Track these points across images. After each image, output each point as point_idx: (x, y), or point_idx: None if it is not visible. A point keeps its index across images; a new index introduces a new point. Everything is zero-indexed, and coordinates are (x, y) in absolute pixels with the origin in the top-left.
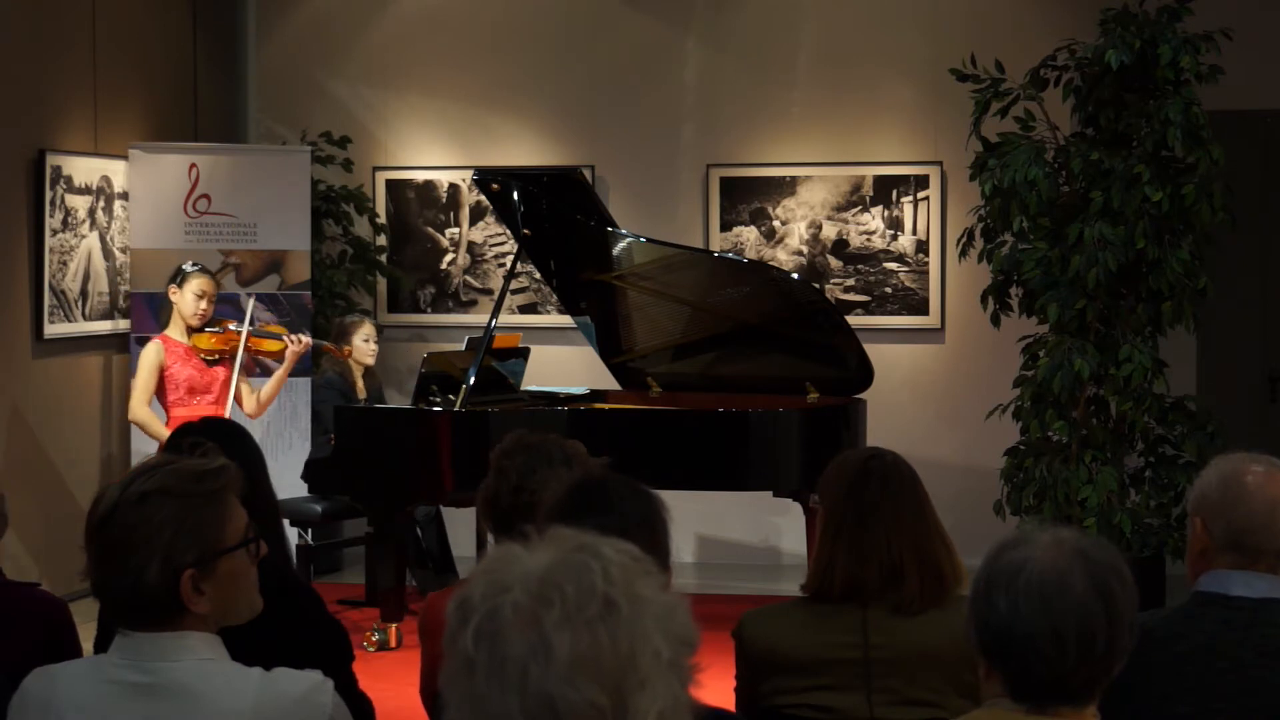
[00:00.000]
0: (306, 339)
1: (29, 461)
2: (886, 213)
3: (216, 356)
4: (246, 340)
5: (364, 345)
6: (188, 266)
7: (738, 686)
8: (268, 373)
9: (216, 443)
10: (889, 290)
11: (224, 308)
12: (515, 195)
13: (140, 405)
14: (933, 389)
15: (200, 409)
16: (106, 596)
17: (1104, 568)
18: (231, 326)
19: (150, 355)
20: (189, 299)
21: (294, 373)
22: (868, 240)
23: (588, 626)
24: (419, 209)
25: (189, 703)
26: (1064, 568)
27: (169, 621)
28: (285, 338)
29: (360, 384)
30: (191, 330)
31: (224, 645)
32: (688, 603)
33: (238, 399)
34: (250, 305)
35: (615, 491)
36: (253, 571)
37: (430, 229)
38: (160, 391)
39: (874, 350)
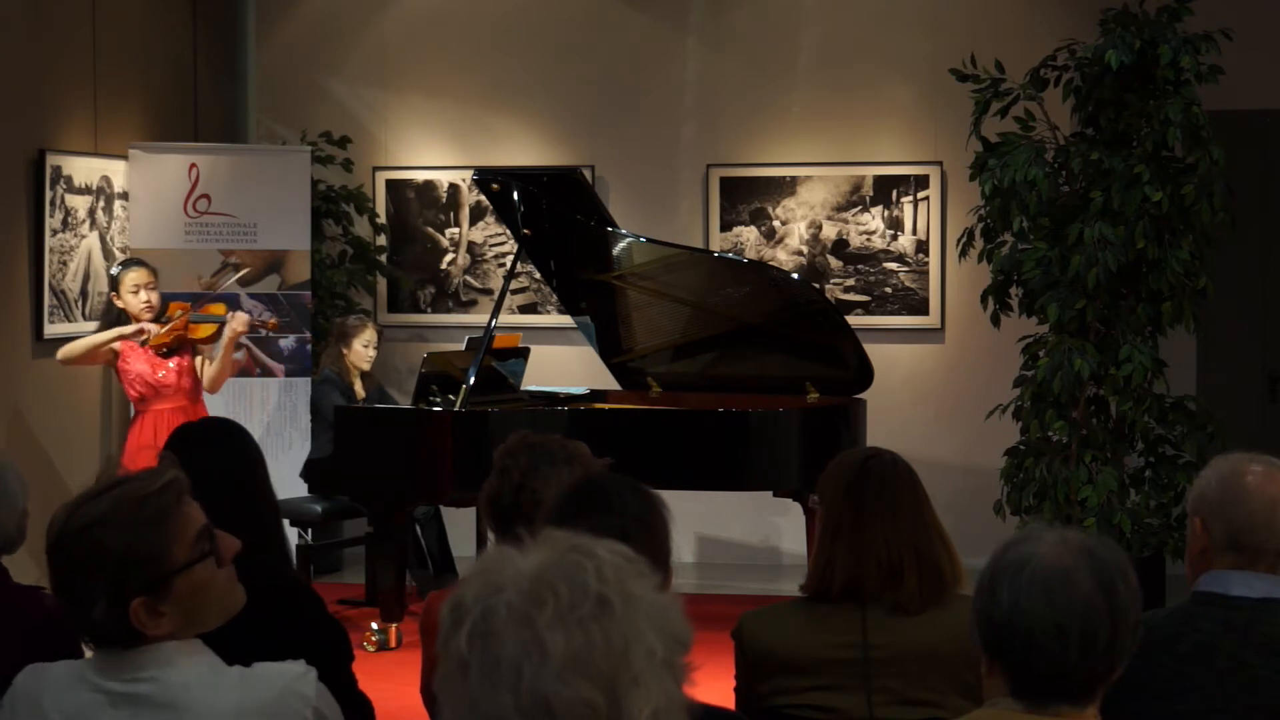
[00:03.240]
0: (245, 315)
1: (28, 461)
2: (886, 213)
3: (166, 349)
4: (185, 326)
5: (363, 350)
6: (114, 269)
7: (737, 687)
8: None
9: (216, 442)
10: (889, 290)
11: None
12: (515, 195)
13: (73, 344)
14: (933, 389)
15: (169, 406)
16: (69, 618)
17: (1109, 566)
18: (178, 314)
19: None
20: (129, 299)
21: (292, 373)
22: (868, 240)
23: (581, 625)
24: (419, 209)
25: (171, 710)
26: (1069, 564)
27: (131, 642)
28: (224, 316)
29: (358, 385)
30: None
31: (206, 645)
32: (681, 601)
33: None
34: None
35: (615, 492)
36: (221, 574)
37: (430, 229)
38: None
39: (874, 350)
